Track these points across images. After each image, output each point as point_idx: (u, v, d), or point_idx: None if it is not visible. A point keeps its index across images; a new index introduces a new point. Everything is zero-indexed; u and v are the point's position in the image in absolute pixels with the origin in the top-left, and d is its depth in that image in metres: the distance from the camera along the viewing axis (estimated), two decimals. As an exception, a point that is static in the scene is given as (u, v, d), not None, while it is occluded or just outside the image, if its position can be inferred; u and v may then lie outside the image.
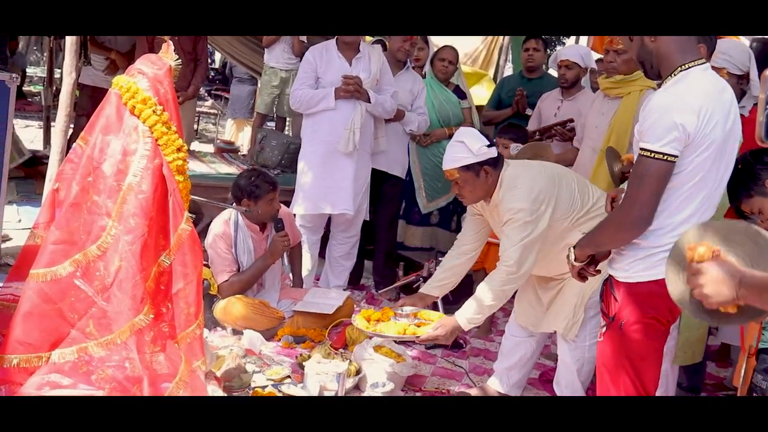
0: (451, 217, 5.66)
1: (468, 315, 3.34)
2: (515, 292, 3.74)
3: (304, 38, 7.30)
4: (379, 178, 5.17)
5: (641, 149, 2.37)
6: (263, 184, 4.24)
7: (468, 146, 3.30)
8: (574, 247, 2.67)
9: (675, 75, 2.41)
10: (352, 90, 4.67)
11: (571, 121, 4.95)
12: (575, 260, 2.65)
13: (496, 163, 3.34)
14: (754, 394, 2.50)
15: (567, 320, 3.43)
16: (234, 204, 4.31)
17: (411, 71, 5.27)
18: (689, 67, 2.39)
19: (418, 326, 3.48)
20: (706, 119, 2.32)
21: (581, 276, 2.72)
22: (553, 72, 5.83)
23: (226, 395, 3.09)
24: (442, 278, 3.68)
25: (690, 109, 2.31)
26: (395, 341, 3.70)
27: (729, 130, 2.40)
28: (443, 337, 3.35)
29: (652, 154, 2.33)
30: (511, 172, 3.35)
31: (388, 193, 5.23)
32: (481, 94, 7.25)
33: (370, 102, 4.73)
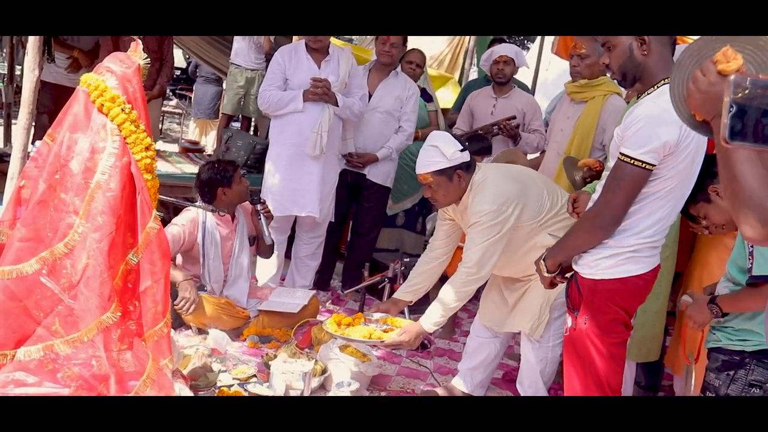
0: (417, 218, 5.71)
1: (432, 319, 3.41)
2: (480, 293, 3.81)
3: (272, 36, 7.31)
4: (361, 184, 5.19)
5: (621, 154, 2.47)
6: (228, 167, 4.30)
7: (441, 151, 3.33)
8: (544, 260, 2.75)
9: (658, 87, 2.50)
10: (320, 93, 4.66)
11: (514, 117, 5.06)
12: (547, 271, 2.76)
13: (468, 167, 3.40)
14: (708, 393, 2.59)
15: (533, 320, 3.49)
16: (200, 200, 4.32)
17: (401, 76, 5.21)
18: None
19: (386, 332, 3.53)
20: (687, 131, 2.41)
21: (552, 284, 2.83)
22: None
23: (193, 394, 3.09)
24: (415, 283, 3.71)
25: (674, 121, 2.32)
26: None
27: (700, 141, 2.51)
28: (407, 342, 3.43)
29: (631, 161, 2.43)
30: (480, 176, 3.40)
31: (368, 199, 5.22)
32: (446, 97, 7.32)
33: (338, 105, 4.74)
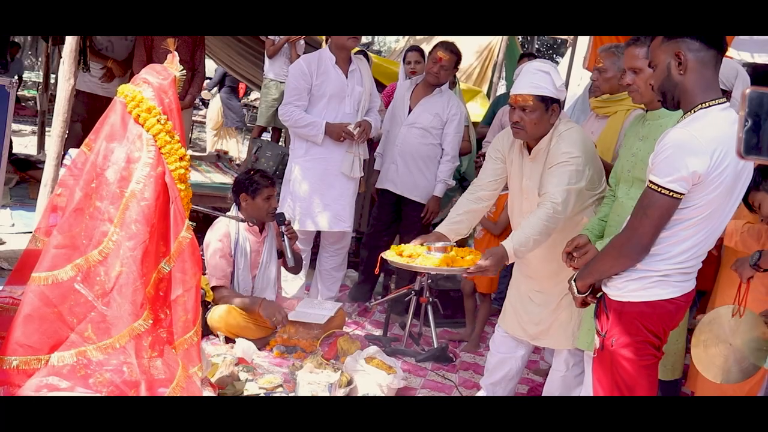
0: (445, 232, 5.70)
1: (514, 245, 3.15)
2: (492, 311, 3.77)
3: (301, 51, 7.36)
4: (399, 202, 5.19)
5: (649, 181, 2.41)
6: (261, 180, 4.34)
7: (553, 79, 3.27)
8: (575, 280, 2.71)
9: (694, 112, 2.42)
10: (363, 137, 4.73)
11: None
12: (578, 292, 2.70)
13: (560, 108, 3.33)
14: None
15: (574, 334, 3.44)
16: (234, 204, 4.39)
17: (445, 95, 5.11)
18: (709, 106, 2.40)
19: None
20: (719, 161, 2.33)
21: (584, 304, 2.77)
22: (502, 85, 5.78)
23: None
24: (456, 220, 3.54)
25: (704, 150, 2.32)
26: (435, 273, 3.31)
27: (741, 169, 2.41)
28: (493, 267, 3.14)
29: (659, 189, 2.37)
30: (565, 126, 3.34)
31: (409, 217, 5.18)
32: (475, 110, 7.34)
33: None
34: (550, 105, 3.26)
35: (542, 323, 3.54)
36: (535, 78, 3.27)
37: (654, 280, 2.50)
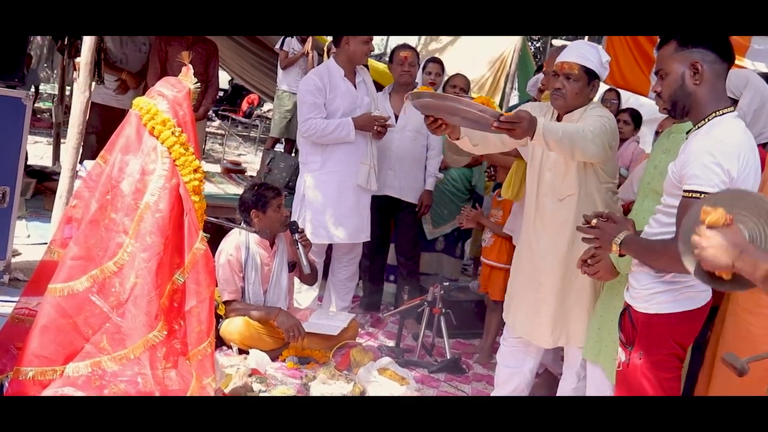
0: (456, 243, 5.72)
1: (545, 123, 2.98)
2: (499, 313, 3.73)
3: (316, 63, 7.40)
4: (393, 206, 5.20)
5: (689, 192, 2.36)
6: (268, 192, 4.34)
7: (600, 55, 3.31)
8: (620, 243, 2.57)
9: (709, 120, 2.43)
10: (383, 132, 4.74)
11: None
12: (618, 253, 2.59)
13: (597, 87, 3.37)
14: None
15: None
16: (243, 222, 4.38)
17: None
18: (723, 114, 2.43)
19: None
20: (745, 163, 2.35)
21: (584, 262, 2.80)
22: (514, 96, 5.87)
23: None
24: (470, 132, 3.31)
25: (732, 153, 2.33)
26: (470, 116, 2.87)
27: (757, 174, 2.43)
28: (525, 121, 2.85)
29: (700, 195, 2.31)
30: (600, 106, 3.40)
31: (405, 220, 5.20)
32: (487, 122, 7.32)
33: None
34: (592, 80, 3.30)
35: (556, 318, 3.44)
36: (583, 49, 3.32)
37: (681, 291, 2.50)
